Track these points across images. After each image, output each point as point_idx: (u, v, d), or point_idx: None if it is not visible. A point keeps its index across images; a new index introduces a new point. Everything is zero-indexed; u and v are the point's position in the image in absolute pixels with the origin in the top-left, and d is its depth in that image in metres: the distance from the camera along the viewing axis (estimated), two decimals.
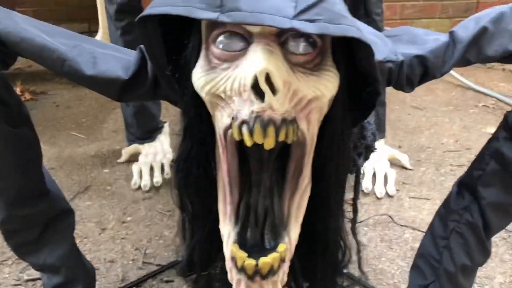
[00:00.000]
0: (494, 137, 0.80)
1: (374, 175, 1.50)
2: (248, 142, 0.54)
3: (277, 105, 0.52)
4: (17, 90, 2.22)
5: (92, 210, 1.39)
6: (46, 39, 0.72)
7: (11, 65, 0.78)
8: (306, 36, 0.55)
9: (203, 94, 0.58)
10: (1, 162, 0.80)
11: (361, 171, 0.84)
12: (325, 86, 0.57)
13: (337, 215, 0.73)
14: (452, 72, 2.39)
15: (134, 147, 1.62)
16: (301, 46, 0.55)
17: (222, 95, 0.56)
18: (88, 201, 1.43)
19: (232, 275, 0.59)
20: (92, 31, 3.27)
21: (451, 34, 0.76)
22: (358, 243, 0.89)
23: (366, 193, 1.45)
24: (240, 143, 0.57)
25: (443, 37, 0.76)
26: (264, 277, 0.57)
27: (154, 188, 1.48)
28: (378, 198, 1.43)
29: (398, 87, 0.77)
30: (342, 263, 0.78)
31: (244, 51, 0.54)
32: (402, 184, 1.51)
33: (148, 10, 0.55)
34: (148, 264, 1.17)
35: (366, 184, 1.46)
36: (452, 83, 2.38)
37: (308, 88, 0.55)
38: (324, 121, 0.61)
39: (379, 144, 1.60)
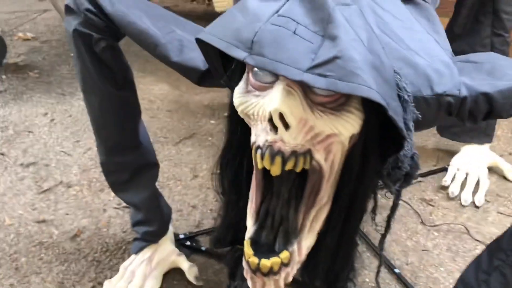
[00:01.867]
0: None
1: (466, 179, 1.44)
2: (259, 165, 0.61)
3: (288, 139, 0.58)
4: None
5: (191, 156, 1.58)
6: (147, 24, 0.84)
7: (120, 40, 0.93)
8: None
9: (238, 111, 0.66)
10: (105, 116, 0.98)
11: (399, 196, 0.84)
12: (343, 126, 0.60)
13: (353, 233, 0.77)
14: None
15: None
16: (322, 90, 0.58)
17: (251, 117, 0.63)
18: (190, 148, 1.62)
19: (244, 265, 0.69)
20: None
21: None
22: (381, 258, 0.92)
23: (450, 197, 1.41)
24: None
25: None
26: (265, 275, 0.66)
27: None
28: (461, 206, 1.39)
29: (460, 120, 0.76)
30: (347, 277, 0.84)
31: (273, 84, 0.60)
32: (495, 195, 1.43)
33: (202, 35, 0.62)
34: None
35: (453, 188, 1.41)
36: None
37: (325, 125, 0.60)
38: (349, 153, 0.65)
39: (483, 149, 1.51)
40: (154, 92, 1.97)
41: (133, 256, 1.12)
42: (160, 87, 2.02)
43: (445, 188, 1.44)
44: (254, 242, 0.68)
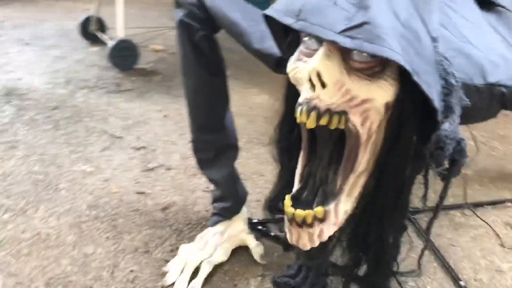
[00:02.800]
0: None
1: None
2: (298, 120, 0.70)
3: (324, 97, 0.66)
4: None
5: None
6: (237, 16, 0.99)
7: (217, 32, 1.09)
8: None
9: (290, 77, 0.75)
10: (198, 98, 1.15)
11: (448, 186, 0.84)
12: (378, 92, 0.66)
13: (393, 214, 0.80)
14: None
15: None
16: (360, 55, 0.66)
17: (299, 81, 0.72)
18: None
19: (285, 218, 0.77)
20: None
21: None
22: (427, 240, 0.92)
23: None
24: None
25: None
26: (299, 225, 0.73)
27: None
28: None
29: None
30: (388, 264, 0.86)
31: (317, 50, 0.69)
32: None
33: (266, 11, 0.74)
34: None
35: None
36: None
37: (361, 89, 0.67)
38: (387, 125, 0.71)
39: None
40: (255, 101, 2.14)
41: (209, 228, 1.25)
42: (261, 97, 2.19)
43: None
44: (295, 199, 0.76)
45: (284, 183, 0.92)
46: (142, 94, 2.19)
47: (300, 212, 0.73)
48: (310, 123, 0.68)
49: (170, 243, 1.26)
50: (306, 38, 0.72)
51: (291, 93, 0.79)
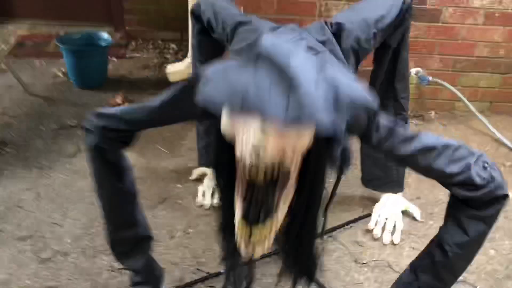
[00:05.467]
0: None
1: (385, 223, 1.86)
2: (246, 176, 0.94)
3: (267, 158, 0.88)
4: (119, 99, 2.76)
5: (166, 219, 1.88)
6: None
7: (129, 145, 1.26)
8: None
9: (226, 133, 0.95)
10: (111, 203, 1.32)
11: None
12: (302, 142, 0.91)
13: (314, 200, 1.08)
14: (489, 125, 2.62)
15: (202, 169, 2.09)
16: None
17: (235, 137, 0.93)
18: (164, 211, 1.93)
19: (237, 236, 0.99)
20: (183, 39, 3.78)
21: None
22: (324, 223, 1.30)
23: (375, 238, 1.82)
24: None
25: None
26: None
27: (213, 208, 1.95)
28: (383, 244, 1.80)
29: None
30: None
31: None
32: (408, 234, 1.86)
33: (199, 97, 0.92)
34: (199, 271, 1.65)
35: (376, 231, 1.82)
36: (490, 137, 2.60)
37: (290, 144, 0.90)
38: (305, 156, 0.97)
39: (397, 196, 1.95)
40: None
41: None
42: (130, 155, 2.30)
43: (370, 231, 1.85)
44: (245, 219, 0.98)
45: (227, 204, 1.09)
46: (0, 172, 2.11)
47: (255, 233, 0.97)
48: (260, 178, 0.91)
49: None
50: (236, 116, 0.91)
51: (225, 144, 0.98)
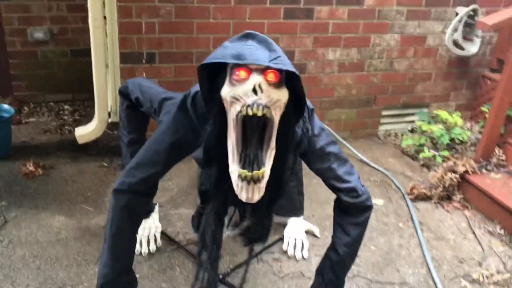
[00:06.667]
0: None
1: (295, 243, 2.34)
2: (250, 113, 1.20)
3: (262, 98, 1.20)
4: (31, 166, 2.85)
5: None
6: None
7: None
8: (274, 72, 1.22)
9: (227, 97, 1.23)
10: (117, 251, 1.56)
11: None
12: (282, 94, 1.27)
13: (288, 164, 1.40)
14: (353, 149, 3.31)
15: None
16: (272, 76, 1.24)
17: (237, 96, 1.22)
18: None
19: (238, 186, 1.26)
20: (75, 99, 3.94)
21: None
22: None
23: (289, 256, 2.28)
24: (243, 121, 1.24)
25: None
26: (254, 182, 1.25)
27: (150, 253, 2.23)
28: (296, 259, 2.27)
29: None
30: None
31: (247, 78, 1.22)
32: (312, 246, 2.35)
33: (206, 60, 1.25)
34: None
35: (290, 250, 2.29)
36: (355, 158, 3.28)
37: (274, 94, 1.25)
38: (282, 115, 1.30)
39: (300, 220, 2.44)
40: (55, 225, 2.38)
41: None
42: (57, 219, 2.44)
43: (285, 251, 2.31)
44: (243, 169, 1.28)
45: (216, 173, 1.38)
46: None
47: (256, 172, 1.25)
48: (259, 113, 1.21)
49: None
50: (239, 71, 1.22)
51: (220, 110, 1.29)
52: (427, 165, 3.22)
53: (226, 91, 1.25)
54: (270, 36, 1.44)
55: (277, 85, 1.25)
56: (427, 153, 3.19)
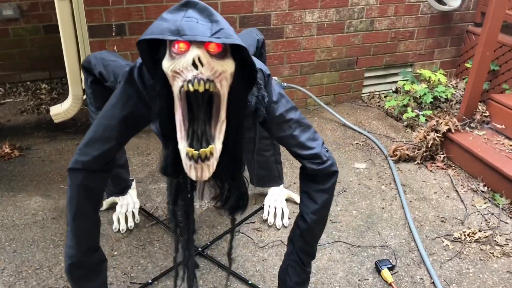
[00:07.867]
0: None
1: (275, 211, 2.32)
2: (191, 88, 1.12)
3: (204, 72, 1.11)
4: (7, 148, 2.81)
5: None
6: None
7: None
8: (216, 44, 1.13)
9: (168, 71, 1.14)
10: (80, 232, 1.52)
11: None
12: (227, 65, 1.20)
13: (241, 136, 1.32)
14: (336, 114, 3.26)
15: (112, 199, 2.33)
16: (214, 47, 1.13)
17: (178, 70, 1.13)
18: None
19: (186, 164, 1.21)
20: (52, 78, 3.86)
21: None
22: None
23: (270, 225, 2.26)
24: (187, 96, 1.16)
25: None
26: (202, 160, 1.20)
27: (129, 230, 2.21)
28: (277, 228, 2.25)
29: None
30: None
31: (187, 50, 1.13)
32: (293, 214, 2.33)
33: (143, 36, 1.17)
34: (133, 284, 1.92)
35: (269, 219, 2.27)
36: (338, 123, 3.23)
37: (218, 66, 1.18)
38: (231, 86, 1.23)
39: (280, 188, 2.41)
40: (32, 206, 2.36)
41: None
42: (34, 200, 2.42)
43: (266, 220, 2.29)
44: (190, 148, 1.21)
45: (170, 149, 1.31)
46: None
47: (203, 150, 1.19)
48: (201, 88, 1.15)
49: None
50: (179, 44, 1.14)
51: (165, 85, 1.21)
52: (411, 126, 3.18)
53: (166, 65, 1.18)
54: None
55: (221, 56, 1.18)
56: (410, 113, 3.14)
